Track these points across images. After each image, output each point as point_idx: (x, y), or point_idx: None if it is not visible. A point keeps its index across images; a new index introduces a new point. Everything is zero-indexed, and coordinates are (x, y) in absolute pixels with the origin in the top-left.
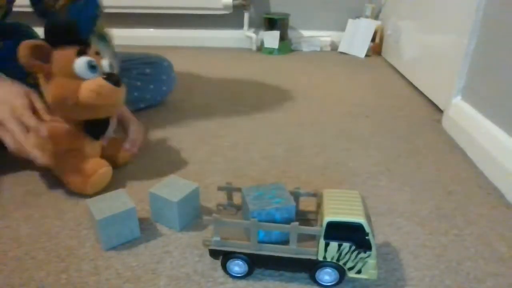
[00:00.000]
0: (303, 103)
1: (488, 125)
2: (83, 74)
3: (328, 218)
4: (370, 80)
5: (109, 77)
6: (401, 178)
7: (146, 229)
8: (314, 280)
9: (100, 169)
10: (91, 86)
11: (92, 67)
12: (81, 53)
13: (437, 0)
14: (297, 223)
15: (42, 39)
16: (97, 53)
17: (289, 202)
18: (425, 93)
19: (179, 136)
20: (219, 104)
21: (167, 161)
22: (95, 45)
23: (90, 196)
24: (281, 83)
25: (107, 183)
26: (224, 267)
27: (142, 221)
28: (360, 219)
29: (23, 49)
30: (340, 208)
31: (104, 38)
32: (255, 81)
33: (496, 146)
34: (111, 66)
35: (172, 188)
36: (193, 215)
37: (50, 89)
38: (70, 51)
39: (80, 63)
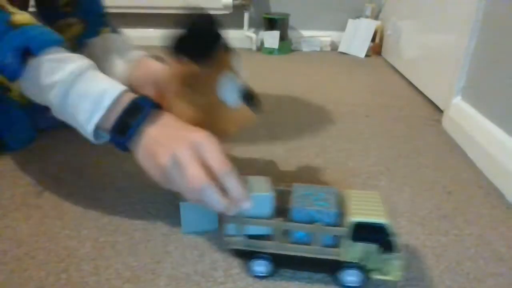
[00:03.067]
0: (303, 103)
1: (488, 125)
2: (225, 98)
3: (352, 218)
4: (370, 80)
5: (250, 100)
6: (401, 178)
7: (146, 229)
8: (337, 281)
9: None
10: (238, 121)
11: (235, 90)
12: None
13: (437, 0)
14: (321, 223)
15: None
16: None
17: (332, 207)
18: (425, 93)
19: None
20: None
21: None
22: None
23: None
24: (281, 83)
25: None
26: (246, 266)
27: (141, 221)
28: (385, 220)
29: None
30: (364, 208)
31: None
32: (255, 81)
33: (496, 146)
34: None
35: None
36: (207, 224)
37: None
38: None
39: (225, 89)
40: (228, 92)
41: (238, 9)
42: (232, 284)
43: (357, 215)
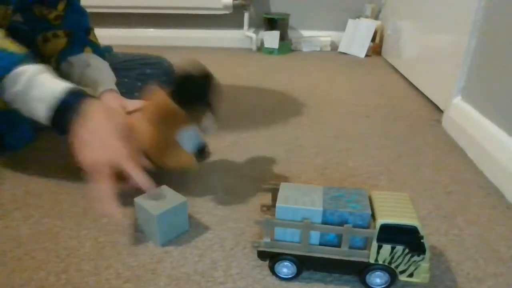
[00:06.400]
0: (303, 103)
1: (488, 125)
2: (182, 144)
3: (381, 220)
4: (370, 80)
5: (200, 154)
6: (401, 178)
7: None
8: (364, 283)
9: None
10: (180, 163)
11: (194, 142)
12: (194, 120)
13: (437, 0)
14: (350, 225)
15: (171, 87)
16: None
17: (365, 209)
18: (425, 93)
19: None
20: (219, 104)
21: None
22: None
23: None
24: (281, 83)
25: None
26: (272, 268)
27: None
28: (415, 222)
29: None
30: (393, 210)
31: (103, 51)
32: (255, 81)
33: (496, 146)
34: (208, 129)
35: (158, 199)
36: (179, 229)
37: (147, 134)
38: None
39: (185, 138)
40: (185, 140)
41: (238, 9)
42: (232, 284)
43: (385, 217)
